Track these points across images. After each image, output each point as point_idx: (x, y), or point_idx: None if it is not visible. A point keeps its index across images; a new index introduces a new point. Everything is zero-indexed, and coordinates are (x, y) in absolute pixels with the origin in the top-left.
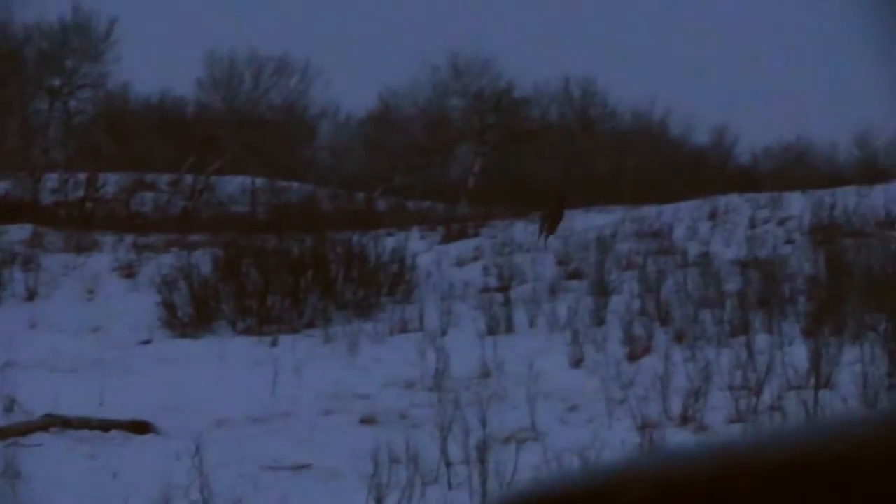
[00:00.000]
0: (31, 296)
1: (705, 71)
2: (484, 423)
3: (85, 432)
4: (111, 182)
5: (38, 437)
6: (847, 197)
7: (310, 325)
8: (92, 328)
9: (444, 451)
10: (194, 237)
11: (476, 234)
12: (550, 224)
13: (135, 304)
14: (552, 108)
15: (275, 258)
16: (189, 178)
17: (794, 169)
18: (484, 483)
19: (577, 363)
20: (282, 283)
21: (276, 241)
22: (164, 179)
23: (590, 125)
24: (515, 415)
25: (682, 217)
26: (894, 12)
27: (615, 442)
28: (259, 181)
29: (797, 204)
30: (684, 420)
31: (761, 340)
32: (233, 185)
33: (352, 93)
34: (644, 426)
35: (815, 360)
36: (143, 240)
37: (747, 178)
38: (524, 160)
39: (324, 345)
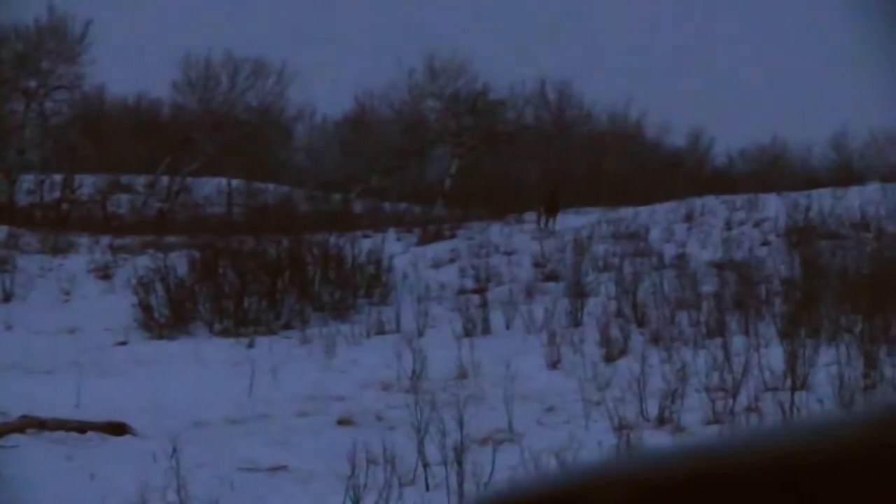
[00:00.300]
0: (6, 297)
1: (681, 73)
2: (461, 425)
3: (61, 434)
4: (87, 184)
5: (15, 438)
6: (822, 199)
7: (286, 326)
8: (68, 329)
9: (421, 452)
10: (170, 239)
11: (452, 236)
12: (548, 213)
13: (111, 306)
14: (528, 110)
15: (251, 260)
16: (165, 180)
17: (769, 171)
18: (461, 484)
19: (553, 364)
20: (258, 285)
21: (253, 242)
22: (140, 181)
23: (566, 127)
24: (492, 416)
25: (658, 219)
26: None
27: (592, 443)
28: (235, 183)
29: (773, 206)
30: (661, 421)
31: (738, 342)
32: (209, 186)
33: (328, 95)
34: (621, 427)
35: (791, 361)
36: (119, 241)
37: (723, 181)
38: (500, 162)
39: (300, 346)
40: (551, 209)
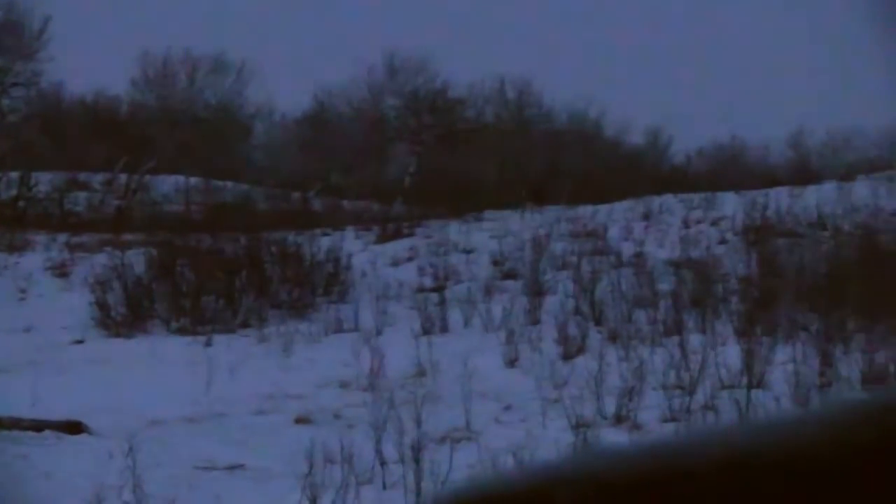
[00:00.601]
0: None
1: (640, 72)
2: (419, 423)
3: (17, 432)
4: (44, 181)
5: None
6: (780, 197)
7: (244, 324)
8: (24, 328)
9: (378, 450)
10: (128, 236)
11: (411, 234)
12: (532, 200)
13: (68, 304)
14: (487, 108)
15: (209, 258)
16: (123, 178)
17: (727, 170)
18: (419, 483)
19: (511, 363)
20: (216, 283)
21: (211, 240)
22: (97, 179)
23: (525, 126)
24: (450, 414)
25: (616, 217)
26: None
27: (550, 441)
28: (193, 180)
29: (730, 204)
30: (618, 419)
31: (695, 340)
32: (167, 184)
33: (287, 92)
34: (578, 425)
35: (748, 359)
36: (76, 239)
37: (681, 179)
38: (460, 160)
39: (258, 345)
40: (538, 198)
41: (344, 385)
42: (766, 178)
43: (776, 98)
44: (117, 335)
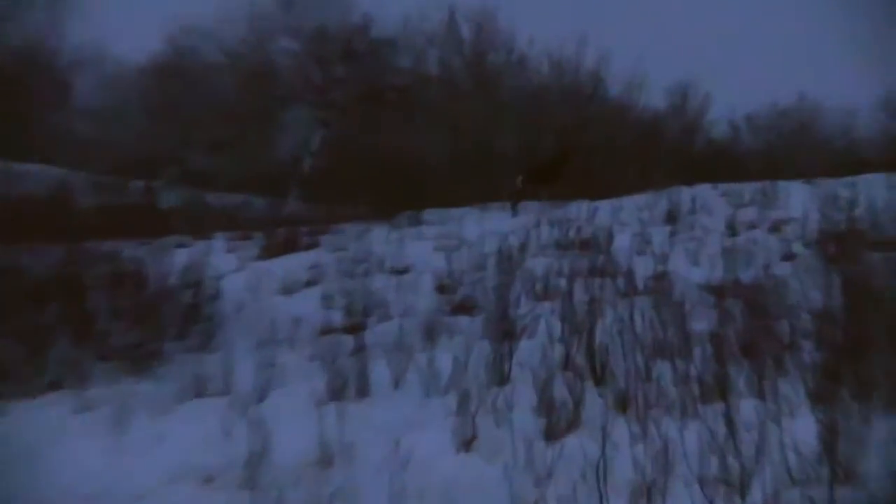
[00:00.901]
0: None
1: (661, 4)
2: None
3: None
4: None
5: None
6: (873, 189)
7: (55, 385)
8: None
9: None
10: None
11: (313, 246)
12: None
13: None
14: (430, 53)
15: (3, 282)
16: None
17: (793, 147)
18: None
19: (466, 444)
20: (13, 321)
21: (5, 255)
22: None
23: (487, 80)
24: None
25: (626, 219)
26: None
27: None
28: None
29: (799, 199)
30: None
31: (747, 408)
32: None
33: (126, 31)
34: None
35: (830, 438)
36: None
37: (724, 161)
38: (389, 132)
39: (77, 415)
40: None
41: (207, 479)
42: (852, 159)
43: (862, 44)
44: None
